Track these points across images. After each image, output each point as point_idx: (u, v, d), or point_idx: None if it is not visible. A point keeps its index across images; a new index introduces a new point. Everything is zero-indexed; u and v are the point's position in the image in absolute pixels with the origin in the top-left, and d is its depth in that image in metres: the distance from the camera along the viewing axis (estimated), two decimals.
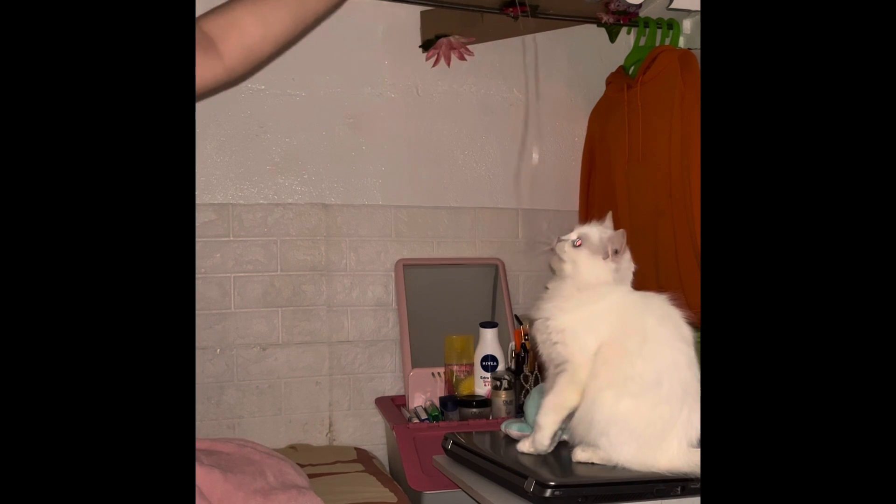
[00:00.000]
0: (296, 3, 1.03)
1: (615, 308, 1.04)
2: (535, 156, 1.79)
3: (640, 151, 1.60)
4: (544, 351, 1.08)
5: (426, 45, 1.73)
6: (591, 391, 1.01)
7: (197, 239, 1.59)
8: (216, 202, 1.63)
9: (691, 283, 1.45)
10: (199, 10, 0.97)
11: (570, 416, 1.03)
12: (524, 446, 1.07)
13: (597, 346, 1.02)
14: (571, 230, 1.09)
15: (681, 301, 1.06)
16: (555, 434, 1.05)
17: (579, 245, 1.06)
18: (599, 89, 1.81)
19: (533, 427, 1.16)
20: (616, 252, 1.05)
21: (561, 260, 1.08)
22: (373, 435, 1.70)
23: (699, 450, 0.98)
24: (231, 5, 1.01)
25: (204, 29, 0.98)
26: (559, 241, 1.08)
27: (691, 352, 1.01)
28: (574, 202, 1.86)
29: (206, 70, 0.96)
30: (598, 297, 1.04)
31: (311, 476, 1.22)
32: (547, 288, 1.11)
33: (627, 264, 1.08)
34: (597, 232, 1.07)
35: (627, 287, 1.08)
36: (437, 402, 1.56)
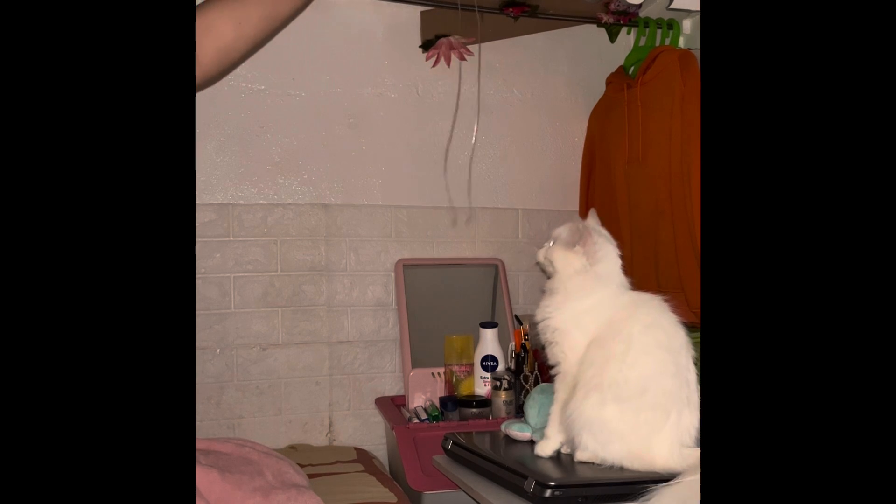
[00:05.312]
0: (269, 4, 1.04)
1: (603, 306, 1.05)
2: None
3: (640, 151, 1.60)
4: (546, 353, 1.11)
5: (426, 45, 1.73)
6: (578, 392, 1.01)
7: (197, 239, 1.59)
8: (216, 202, 1.63)
9: (691, 282, 1.45)
10: None
11: None
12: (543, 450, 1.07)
13: (586, 344, 1.04)
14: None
15: (677, 302, 1.06)
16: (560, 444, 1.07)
17: (552, 244, 1.11)
18: (599, 89, 1.81)
19: (534, 428, 1.16)
20: (581, 240, 1.07)
21: (544, 265, 1.13)
22: (373, 435, 1.71)
23: (694, 449, 0.98)
24: (204, 8, 1.01)
25: None
26: (540, 249, 1.14)
27: (680, 359, 1.01)
28: (574, 202, 1.86)
29: None
30: (584, 294, 1.06)
31: (311, 476, 1.22)
32: (543, 292, 1.13)
33: (605, 250, 1.08)
34: (567, 228, 1.10)
35: (618, 283, 1.08)
36: (437, 402, 1.56)
